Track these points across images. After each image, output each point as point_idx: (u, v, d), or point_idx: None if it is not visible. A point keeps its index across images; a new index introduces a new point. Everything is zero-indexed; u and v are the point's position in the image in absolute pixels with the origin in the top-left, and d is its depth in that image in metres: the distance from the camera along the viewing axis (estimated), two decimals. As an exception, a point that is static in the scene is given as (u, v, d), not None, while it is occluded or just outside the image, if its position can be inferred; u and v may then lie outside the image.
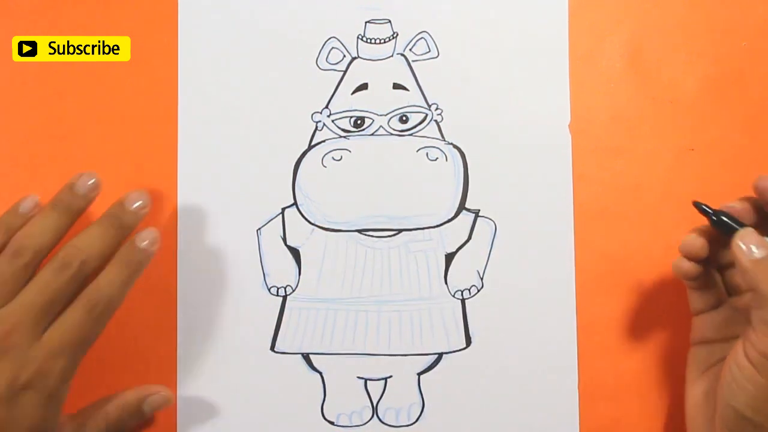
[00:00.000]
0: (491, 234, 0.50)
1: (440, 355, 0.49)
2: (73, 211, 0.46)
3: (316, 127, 0.50)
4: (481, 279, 0.49)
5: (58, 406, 0.43)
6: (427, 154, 0.50)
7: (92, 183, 0.46)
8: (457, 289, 0.50)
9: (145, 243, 0.45)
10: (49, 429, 0.43)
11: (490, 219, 0.50)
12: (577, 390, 0.49)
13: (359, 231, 0.50)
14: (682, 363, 0.48)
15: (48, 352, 0.42)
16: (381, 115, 0.50)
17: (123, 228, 0.46)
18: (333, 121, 0.50)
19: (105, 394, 0.48)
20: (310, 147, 0.50)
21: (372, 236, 0.50)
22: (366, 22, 0.51)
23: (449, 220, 0.50)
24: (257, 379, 0.49)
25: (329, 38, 0.51)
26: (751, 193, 0.44)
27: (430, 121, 0.50)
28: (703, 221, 0.45)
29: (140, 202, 0.46)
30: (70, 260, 0.43)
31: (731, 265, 0.45)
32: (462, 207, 0.50)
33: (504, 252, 0.47)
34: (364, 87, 0.50)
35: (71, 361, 0.43)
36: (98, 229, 0.45)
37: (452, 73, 0.50)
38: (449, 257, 0.50)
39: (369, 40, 0.51)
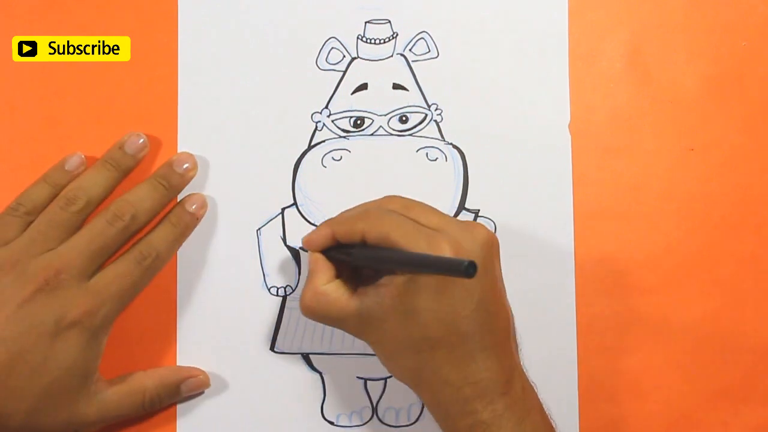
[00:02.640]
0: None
1: (440, 355, 0.49)
2: (122, 169, 0.48)
3: (316, 127, 0.50)
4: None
5: (99, 349, 0.45)
6: (426, 154, 0.50)
7: (141, 143, 0.49)
8: (457, 289, 0.50)
9: (194, 207, 0.49)
10: (88, 370, 0.45)
11: (490, 219, 0.50)
12: (577, 390, 0.49)
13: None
14: (682, 363, 0.48)
15: (95, 295, 0.45)
16: (381, 115, 0.50)
17: (171, 188, 0.48)
18: (333, 121, 0.50)
19: (105, 394, 0.48)
20: (310, 147, 0.50)
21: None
22: (366, 22, 0.51)
23: (449, 220, 0.50)
24: (257, 379, 0.49)
25: (329, 38, 0.51)
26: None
27: (430, 121, 0.50)
28: (703, 220, 0.45)
29: (188, 164, 0.49)
30: (121, 213, 0.46)
31: None
32: (462, 207, 0.50)
33: (504, 252, 0.46)
34: (363, 87, 0.50)
35: (116, 307, 0.45)
36: (148, 187, 0.48)
37: (452, 73, 0.50)
38: (449, 257, 0.50)
39: (369, 40, 0.51)
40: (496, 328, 0.42)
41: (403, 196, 0.46)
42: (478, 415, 0.41)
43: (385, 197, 0.46)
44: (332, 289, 0.44)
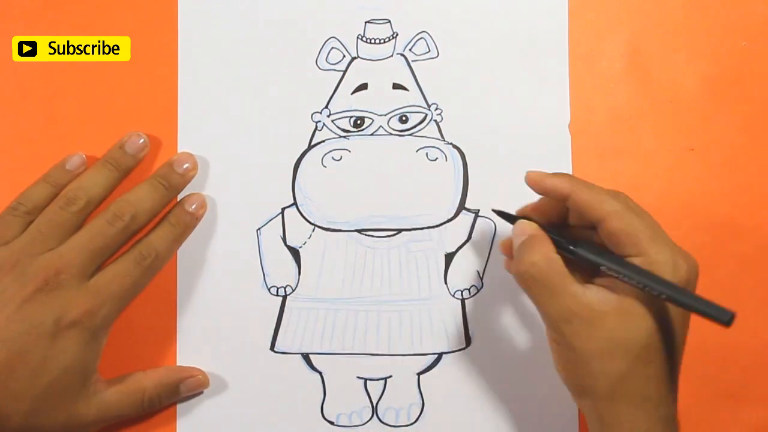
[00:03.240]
0: (491, 234, 0.50)
1: (440, 355, 0.49)
2: (122, 169, 0.48)
3: (316, 127, 0.50)
4: (481, 279, 0.49)
5: (98, 350, 0.45)
6: (426, 154, 0.50)
7: (142, 143, 0.49)
8: (456, 289, 0.50)
9: (194, 207, 0.49)
10: (88, 370, 0.45)
11: (490, 219, 0.50)
12: (577, 390, 0.49)
13: (359, 231, 0.50)
14: (682, 363, 0.48)
15: (95, 295, 0.45)
16: (381, 115, 0.50)
17: (171, 188, 0.48)
18: (333, 121, 0.50)
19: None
20: (310, 147, 0.50)
21: (372, 236, 0.50)
22: (366, 22, 0.51)
23: (449, 220, 0.50)
24: (257, 379, 0.49)
25: (329, 38, 0.51)
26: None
27: (430, 121, 0.50)
28: (703, 220, 0.45)
29: (188, 164, 0.49)
30: (121, 213, 0.46)
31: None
32: (462, 207, 0.50)
33: (504, 252, 0.47)
34: (363, 87, 0.50)
35: (116, 307, 0.45)
36: (148, 187, 0.48)
37: (452, 73, 0.50)
38: (449, 257, 0.50)
39: (369, 40, 0.51)
40: (682, 355, 0.42)
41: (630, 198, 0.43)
42: None
43: (614, 190, 0.43)
44: (562, 262, 0.41)
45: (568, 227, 0.44)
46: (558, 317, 0.40)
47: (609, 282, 0.41)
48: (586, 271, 0.42)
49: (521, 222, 0.43)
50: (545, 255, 0.41)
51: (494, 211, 0.45)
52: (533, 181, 0.43)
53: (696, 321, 0.49)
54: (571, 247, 0.42)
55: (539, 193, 0.43)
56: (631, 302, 0.39)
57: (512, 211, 0.45)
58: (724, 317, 0.37)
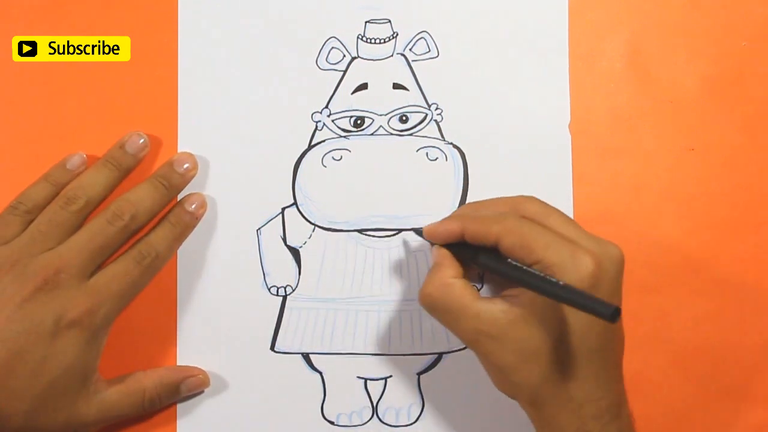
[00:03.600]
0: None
1: (440, 355, 0.49)
2: (123, 169, 0.48)
3: (316, 126, 0.50)
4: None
5: (98, 349, 0.45)
6: (427, 154, 0.50)
7: (142, 142, 0.49)
8: (457, 289, 0.50)
9: (193, 206, 0.49)
10: (88, 370, 0.45)
11: (490, 219, 0.50)
12: (577, 390, 0.49)
13: (359, 231, 0.50)
14: (682, 363, 0.48)
15: (95, 295, 0.44)
16: (381, 115, 0.50)
17: (171, 188, 0.48)
18: (333, 120, 0.50)
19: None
20: (310, 147, 0.50)
21: (372, 236, 0.50)
22: (366, 22, 0.51)
23: (449, 220, 0.50)
24: (257, 379, 0.49)
25: (329, 38, 0.51)
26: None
27: (430, 121, 0.50)
28: (703, 220, 0.45)
29: (188, 164, 0.49)
30: (121, 212, 0.46)
31: None
32: (462, 207, 0.50)
33: (504, 252, 0.47)
34: (364, 87, 0.50)
35: (116, 306, 0.45)
36: (148, 187, 0.48)
37: (452, 73, 0.50)
38: (449, 257, 0.50)
39: (369, 40, 0.51)
40: (617, 349, 0.42)
41: (539, 200, 0.44)
42: None
43: (520, 198, 0.45)
44: (460, 285, 0.42)
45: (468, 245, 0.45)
46: (467, 339, 0.42)
47: (517, 292, 0.41)
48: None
49: (433, 248, 0.46)
50: (440, 284, 0.43)
51: (414, 231, 0.48)
52: (428, 235, 0.46)
53: (695, 321, 0.49)
54: (480, 259, 0.43)
55: (438, 243, 0.45)
56: (534, 310, 0.40)
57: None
58: (606, 312, 0.36)
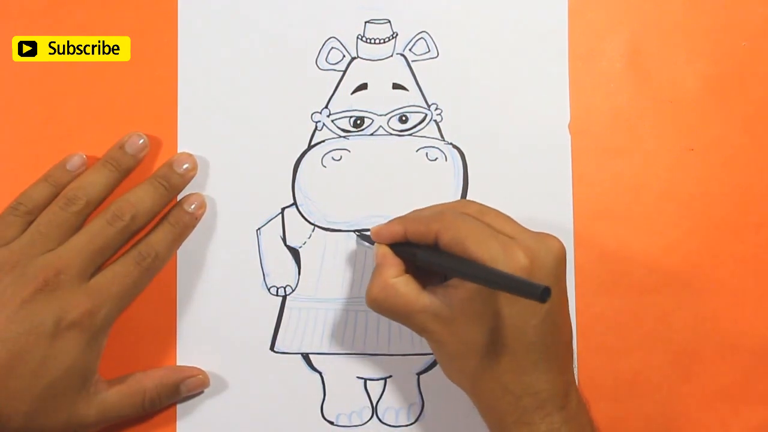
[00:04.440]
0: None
1: (440, 355, 0.49)
2: (122, 169, 0.48)
3: (316, 127, 0.50)
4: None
5: (99, 350, 0.45)
6: (426, 154, 0.50)
7: (142, 143, 0.49)
8: (456, 289, 0.50)
9: (193, 207, 0.49)
10: (88, 370, 0.45)
11: (490, 219, 0.50)
12: (576, 390, 0.49)
13: (359, 231, 0.50)
14: (682, 363, 0.48)
15: (95, 296, 0.45)
16: (381, 115, 0.50)
17: (171, 189, 0.48)
18: (333, 121, 0.50)
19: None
20: (310, 147, 0.50)
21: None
22: (366, 22, 0.51)
23: (449, 220, 0.50)
24: (257, 379, 0.49)
25: (329, 38, 0.51)
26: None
27: (430, 121, 0.50)
28: (703, 220, 0.45)
29: (188, 165, 0.49)
30: (121, 213, 0.46)
31: None
32: (462, 207, 0.50)
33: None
34: (363, 87, 0.50)
35: (116, 307, 0.45)
36: (148, 187, 0.48)
37: (452, 73, 0.50)
38: (449, 257, 0.50)
39: (369, 40, 0.51)
40: (560, 341, 0.43)
41: (478, 201, 0.46)
42: (534, 427, 0.41)
43: (460, 201, 0.47)
44: (401, 283, 0.43)
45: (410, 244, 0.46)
46: (416, 330, 0.44)
47: (455, 283, 0.42)
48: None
49: (375, 247, 0.46)
50: (383, 287, 0.44)
51: (357, 235, 0.49)
52: (375, 236, 0.46)
53: (695, 321, 0.49)
54: (416, 252, 0.44)
55: (384, 244, 0.46)
56: (472, 303, 0.41)
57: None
58: (535, 292, 0.36)
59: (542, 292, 0.36)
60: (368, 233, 0.48)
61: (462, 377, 0.44)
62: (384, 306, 0.44)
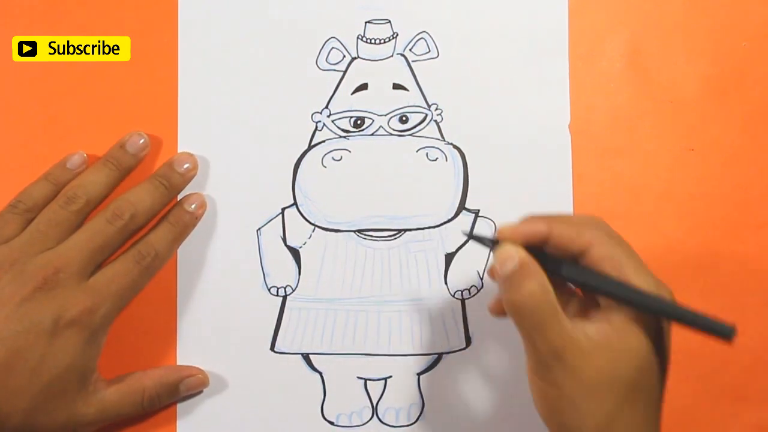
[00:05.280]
0: (492, 234, 0.50)
1: (440, 355, 0.49)
2: (123, 168, 0.48)
3: (316, 127, 0.50)
4: (481, 279, 0.49)
5: (98, 349, 0.45)
6: (426, 154, 0.50)
7: (142, 142, 0.49)
8: (457, 290, 0.50)
9: (193, 206, 0.49)
10: (87, 369, 0.45)
11: (490, 219, 0.50)
12: (577, 390, 0.49)
13: (359, 231, 0.50)
14: (681, 363, 0.48)
15: (94, 294, 0.44)
16: (381, 115, 0.50)
17: (171, 188, 0.48)
18: (333, 121, 0.50)
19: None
20: (310, 147, 0.50)
21: (372, 236, 0.50)
22: (366, 22, 0.51)
23: (449, 221, 0.50)
24: (257, 379, 0.49)
25: (329, 38, 0.51)
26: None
27: (430, 121, 0.50)
28: (703, 220, 0.45)
29: (188, 164, 0.49)
30: (121, 212, 0.46)
31: None
32: (462, 207, 0.50)
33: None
34: (364, 87, 0.50)
35: (115, 306, 0.45)
36: (148, 186, 0.48)
37: (452, 74, 0.50)
38: (449, 257, 0.50)
39: (369, 40, 0.51)
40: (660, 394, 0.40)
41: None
42: None
43: (593, 216, 0.41)
44: (553, 293, 0.38)
45: (546, 254, 0.41)
46: (548, 352, 0.38)
47: (597, 316, 0.39)
48: (569, 304, 0.41)
49: (507, 247, 0.39)
50: (542, 284, 0.38)
51: (467, 235, 0.44)
52: (509, 234, 0.40)
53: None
54: (563, 272, 0.39)
55: (519, 244, 0.40)
56: (619, 338, 0.38)
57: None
58: (726, 332, 0.36)
59: (731, 332, 0.36)
60: (480, 234, 0.43)
61: (582, 421, 0.38)
62: (537, 306, 0.38)
